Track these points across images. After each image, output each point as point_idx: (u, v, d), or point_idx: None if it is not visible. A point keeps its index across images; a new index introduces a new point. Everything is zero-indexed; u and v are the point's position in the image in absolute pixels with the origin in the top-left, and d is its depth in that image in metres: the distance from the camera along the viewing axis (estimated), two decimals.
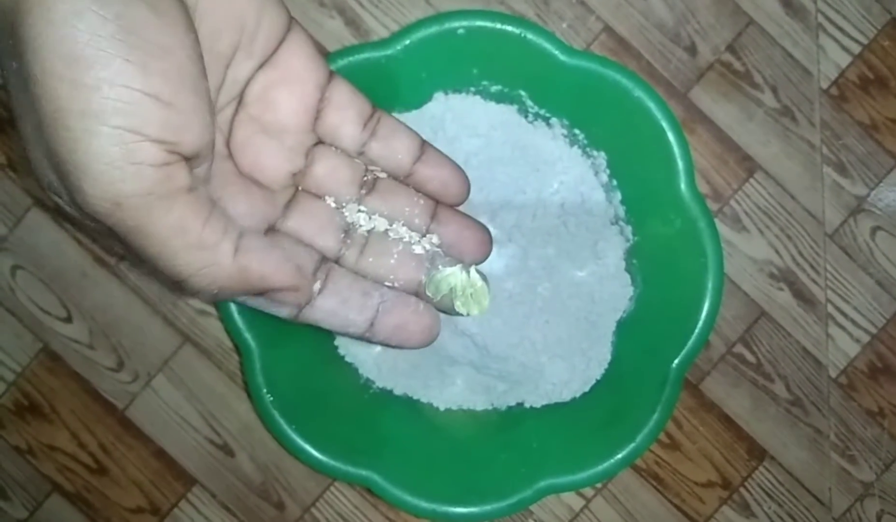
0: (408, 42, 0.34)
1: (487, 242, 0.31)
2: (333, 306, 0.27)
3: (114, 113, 0.18)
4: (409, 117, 0.37)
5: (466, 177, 0.31)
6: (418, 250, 0.29)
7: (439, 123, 0.37)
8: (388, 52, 0.34)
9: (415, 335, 0.29)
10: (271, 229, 0.27)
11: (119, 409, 0.42)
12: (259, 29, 0.24)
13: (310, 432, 0.35)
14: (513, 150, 0.37)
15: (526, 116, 0.37)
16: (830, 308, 0.42)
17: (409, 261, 0.29)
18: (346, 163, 0.28)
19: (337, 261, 0.28)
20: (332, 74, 0.27)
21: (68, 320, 0.42)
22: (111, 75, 0.18)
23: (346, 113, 0.27)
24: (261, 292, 0.24)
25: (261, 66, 0.25)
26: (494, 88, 0.36)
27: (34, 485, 0.42)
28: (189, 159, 0.21)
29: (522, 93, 0.36)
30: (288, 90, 0.26)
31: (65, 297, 0.42)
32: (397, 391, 0.39)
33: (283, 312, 0.26)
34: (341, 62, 0.34)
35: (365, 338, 0.28)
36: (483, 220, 0.37)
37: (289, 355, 0.36)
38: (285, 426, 0.35)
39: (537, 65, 0.34)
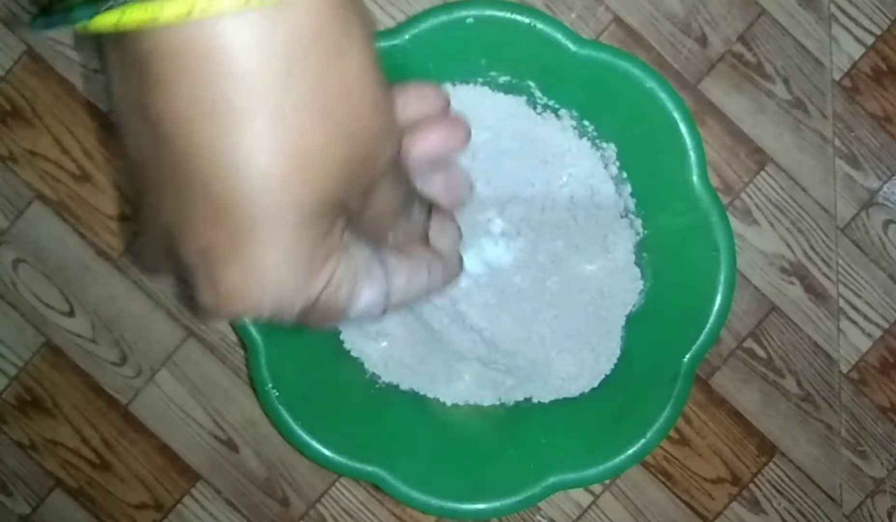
0: (415, 32, 0.34)
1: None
2: (404, 280, 0.23)
3: None
4: None
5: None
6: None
7: None
8: (395, 41, 0.34)
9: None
10: None
11: (122, 404, 0.42)
12: None
13: (315, 427, 0.35)
14: (521, 142, 0.37)
15: (535, 108, 0.37)
16: (842, 303, 0.41)
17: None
18: None
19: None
20: None
21: (70, 314, 0.42)
22: None
23: None
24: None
25: None
26: (503, 79, 0.36)
27: (36, 481, 0.42)
28: None
29: (531, 84, 0.36)
30: None
31: (67, 291, 0.41)
32: (404, 386, 0.38)
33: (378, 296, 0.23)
34: None
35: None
36: (491, 213, 0.37)
37: (294, 349, 0.36)
38: (291, 422, 0.34)
39: (547, 55, 0.34)
